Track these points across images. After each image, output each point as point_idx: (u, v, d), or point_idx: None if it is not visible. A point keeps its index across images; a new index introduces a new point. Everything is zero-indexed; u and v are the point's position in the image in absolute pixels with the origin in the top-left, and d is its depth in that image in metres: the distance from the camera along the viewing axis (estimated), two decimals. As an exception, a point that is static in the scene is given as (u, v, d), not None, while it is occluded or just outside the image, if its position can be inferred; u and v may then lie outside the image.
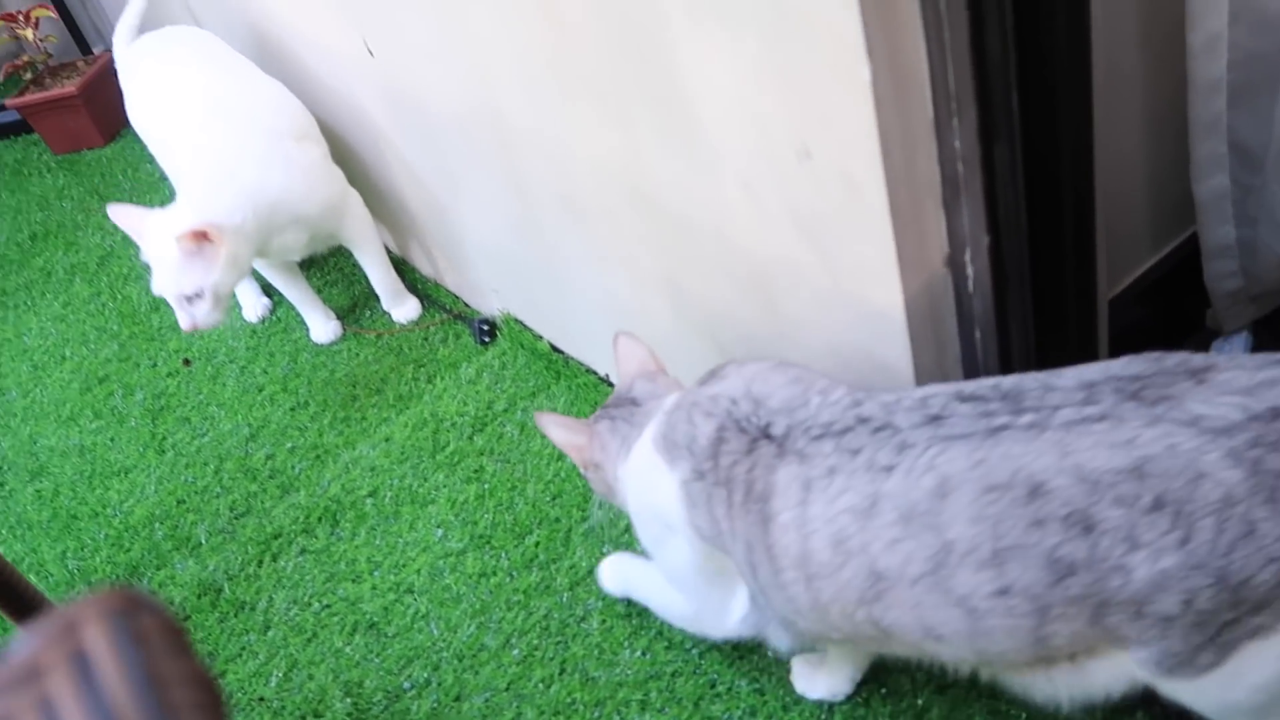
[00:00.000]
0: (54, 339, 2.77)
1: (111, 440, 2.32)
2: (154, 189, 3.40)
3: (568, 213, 1.72)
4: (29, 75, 4.08)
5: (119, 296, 2.87)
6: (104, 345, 2.67)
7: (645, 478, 1.20)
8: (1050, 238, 1.14)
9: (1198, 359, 0.92)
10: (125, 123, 3.67)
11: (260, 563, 1.88)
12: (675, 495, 1.15)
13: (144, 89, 2.28)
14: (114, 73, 4.11)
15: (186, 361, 2.50)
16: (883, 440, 1.00)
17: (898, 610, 0.99)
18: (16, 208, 3.64)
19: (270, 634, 1.75)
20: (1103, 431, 0.89)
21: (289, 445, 2.14)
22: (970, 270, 1.14)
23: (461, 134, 1.88)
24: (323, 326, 2.36)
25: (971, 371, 1.22)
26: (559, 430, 1.33)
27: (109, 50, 4.38)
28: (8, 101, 4.03)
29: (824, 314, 1.27)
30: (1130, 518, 0.87)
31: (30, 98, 3.97)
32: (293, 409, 2.23)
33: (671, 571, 1.27)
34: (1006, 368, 1.20)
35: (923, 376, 1.21)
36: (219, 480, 2.10)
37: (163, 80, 2.23)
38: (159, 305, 2.76)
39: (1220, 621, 0.88)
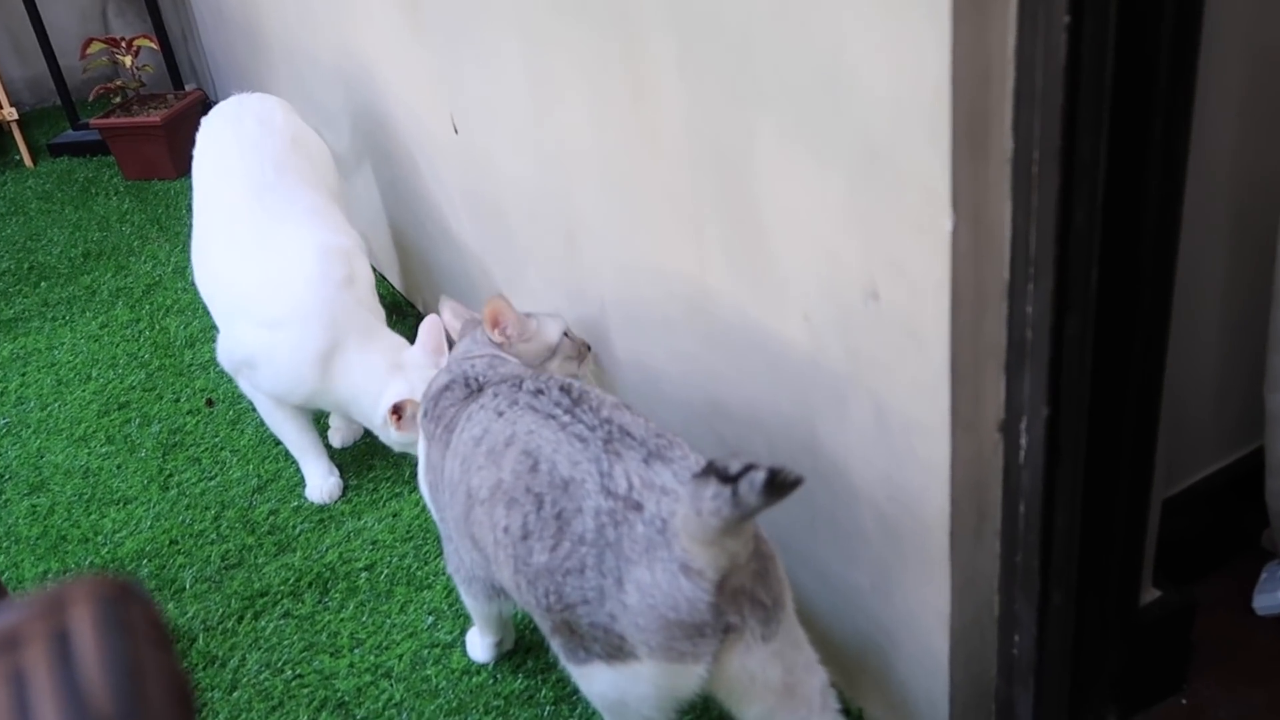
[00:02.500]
0: (84, 357, 2.82)
1: (118, 468, 2.34)
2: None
3: (622, 315, 1.75)
4: (118, 99, 4.26)
5: (157, 326, 2.93)
6: (131, 372, 2.71)
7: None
8: (1111, 421, 1.14)
9: (676, 446, 1.23)
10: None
11: (241, 619, 1.87)
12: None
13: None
14: (201, 110, 4.29)
15: (210, 402, 2.53)
16: (509, 393, 1.35)
17: (476, 527, 1.31)
18: (77, 223, 3.76)
19: (236, 695, 1.72)
20: (576, 450, 1.22)
21: (295, 504, 2.14)
22: (1024, 440, 1.14)
23: (530, 218, 1.92)
24: (322, 482, 2.15)
25: (1010, 546, 1.21)
26: None
27: (200, 89, 4.57)
28: (92, 121, 4.20)
29: (867, 460, 1.27)
30: (547, 514, 1.20)
31: (114, 120, 4.14)
32: (306, 468, 2.23)
33: None
34: (1048, 548, 1.18)
35: (959, 541, 1.20)
36: (217, 527, 2.10)
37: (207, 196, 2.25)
38: (194, 340, 2.81)
39: (574, 633, 1.19)
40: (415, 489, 2.12)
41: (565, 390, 1.33)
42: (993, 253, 1.05)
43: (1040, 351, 1.08)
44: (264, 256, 2.03)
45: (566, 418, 1.27)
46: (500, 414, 1.34)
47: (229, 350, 2.07)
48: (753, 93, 1.21)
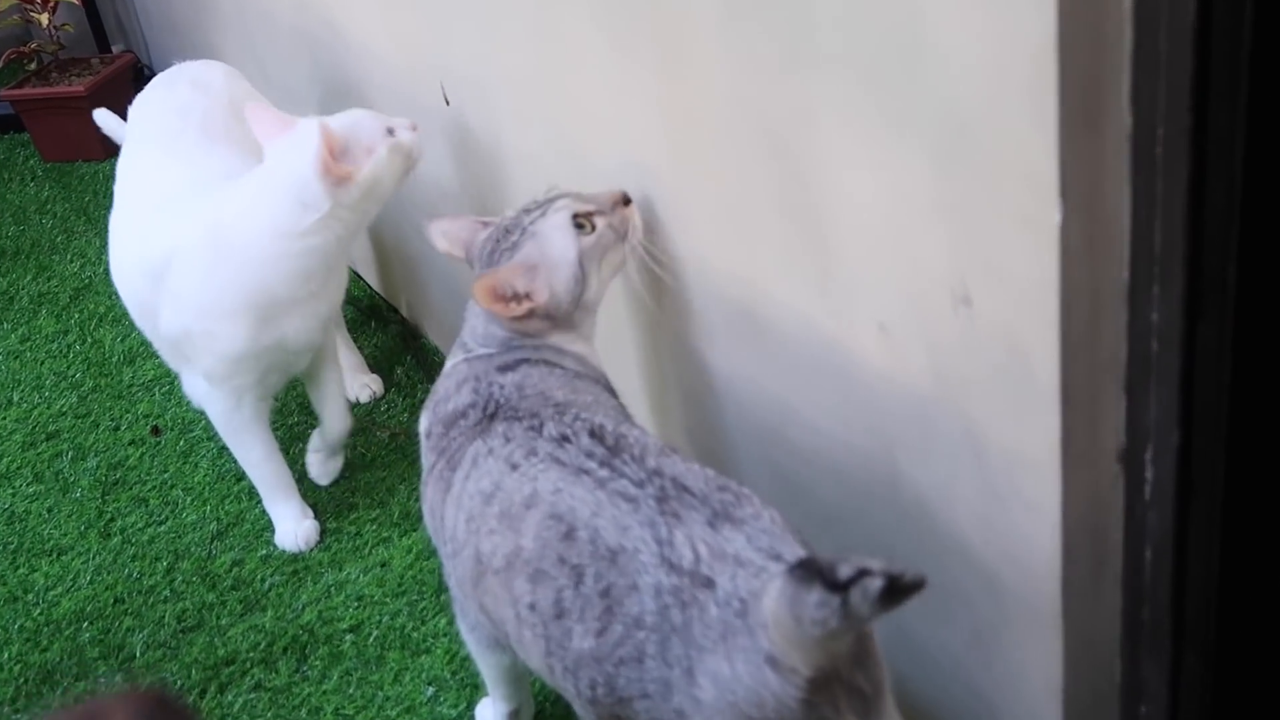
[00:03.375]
0: (2, 377, 2.86)
1: (49, 511, 2.37)
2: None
3: (650, 323, 1.76)
4: (33, 66, 4.30)
5: (89, 339, 2.96)
6: (61, 395, 2.74)
7: None
8: (1254, 447, 1.14)
9: (744, 501, 1.21)
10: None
11: (204, 692, 1.89)
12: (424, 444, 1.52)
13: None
14: (132, 78, 4.33)
15: (156, 430, 2.55)
16: (526, 440, 1.34)
17: (489, 598, 1.34)
18: (-12, 215, 3.80)
19: (201, 786, 1.75)
20: (624, 512, 1.21)
21: (262, 553, 2.16)
22: (1149, 472, 1.14)
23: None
24: (294, 526, 2.18)
25: (1135, 597, 1.22)
26: None
27: (131, 51, 4.60)
28: (2, 92, 4.24)
29: (958, 497, 1.28)
30: (590, 590, 1.21)
31: (29, 91, 4.18)
32: (274, 509, 2.26)
33: None
34: (1180, 601, 1.19)
35: (1073, 595, 1.21)
36: (170, 582, 2.13)
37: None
38: (134, 355, 2.84)
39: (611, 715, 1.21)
40: (405, 532, 2.15)
41: (597, 436, 1.32)
42: (1110, 249, 1.06)
43: (1168, 366, 1.09)
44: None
45: (604, 472, 1.27)
46: (514, 467, 1.33)
47: (168, 337, 2.09)
48: (811, 59, 1.23)
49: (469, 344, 1.57)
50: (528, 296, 1.52)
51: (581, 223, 1.55)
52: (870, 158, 1.20)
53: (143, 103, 2.40)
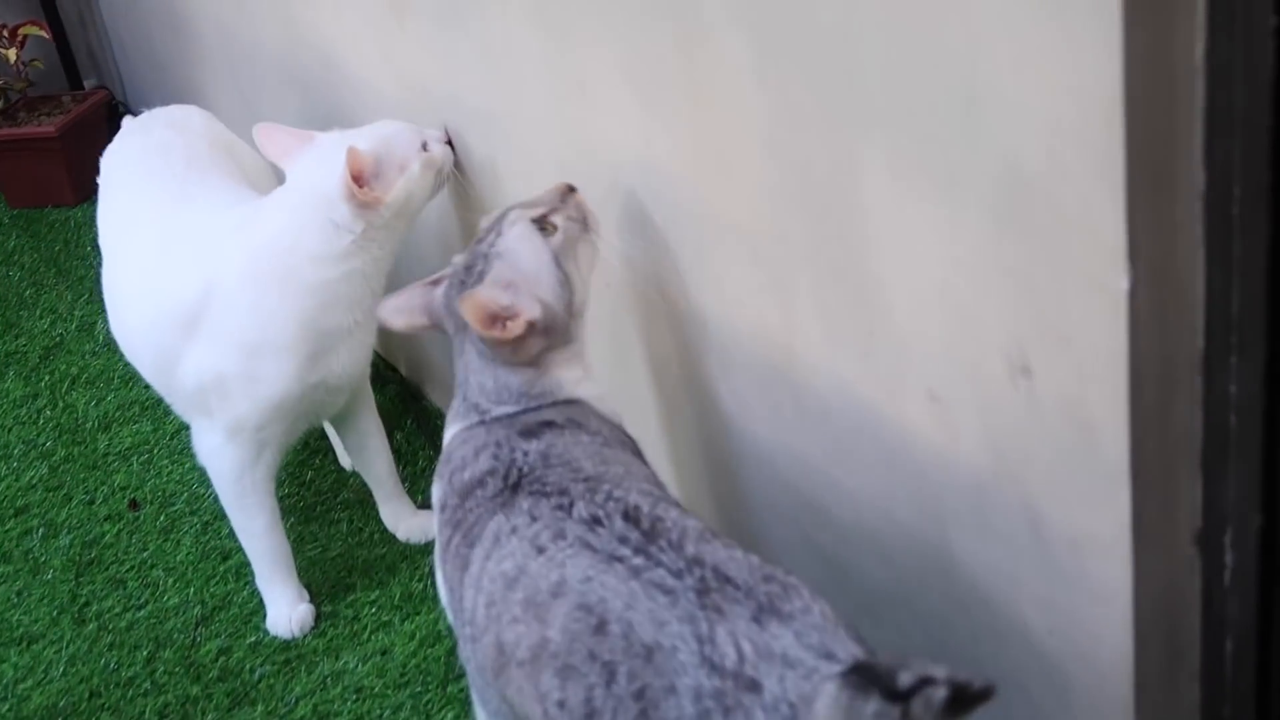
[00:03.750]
0: (-35, 446, 2.87)
1: (18, 595, 2.37)
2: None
3: (674, 385, 1.77)
4: (1, 105, 4.34)
5: (60, 404, 2.97)
6: (30, 465, 2.75)
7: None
8: (1344, 530, 1.14)
9: (792, 593, 1.19)
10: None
11: (188, 796, 1.89)
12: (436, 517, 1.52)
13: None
14: (106, 116, 4.35)
15: (134, 504, 2.56)
16: (554, 521, 1.34)
17: (513, 689, 1.33)
18: (-51, 267, 3.82)
19: None
20: (661, 605, 1.21)
21: (252, 640, 2.16)
22: (1229, 557, 1.14)
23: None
24: (288, 610, 2.19)
25: (1214, 693, 1.21)
26: None
27: (105, 88, 4.65)
28: (-34, 133, 4.28)
29: (1019, 584, 1.28)
30: (623, 690, 1.20)
31: (-5, 131, 4.22)
32: (263, 590, 2.26)
33: None
34: (1265, 698, 1.18)
35: (1146, 690, 1.20)
36: (151, 673, 2.13)
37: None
38: (109, 421, 2.85)
39: None
40: (408, 616, 2.15)
41: (632, 519, 1.31)
42: (1183, 316, 1.07)
43: (1248, 442, 1.09)
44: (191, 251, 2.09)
45: (639, 559, 1.26)
46: (540, 550, 1.33)
47: (195, 385, 2.08)
48: (857, 107, 1.24)
49: (482, 404, 1.56)
50: (516, 315, 1.52)
51: (543, 226, 1.59)
52: (921, 214, 1.21)
53: (118, 149, 2.43)
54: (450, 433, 1.58)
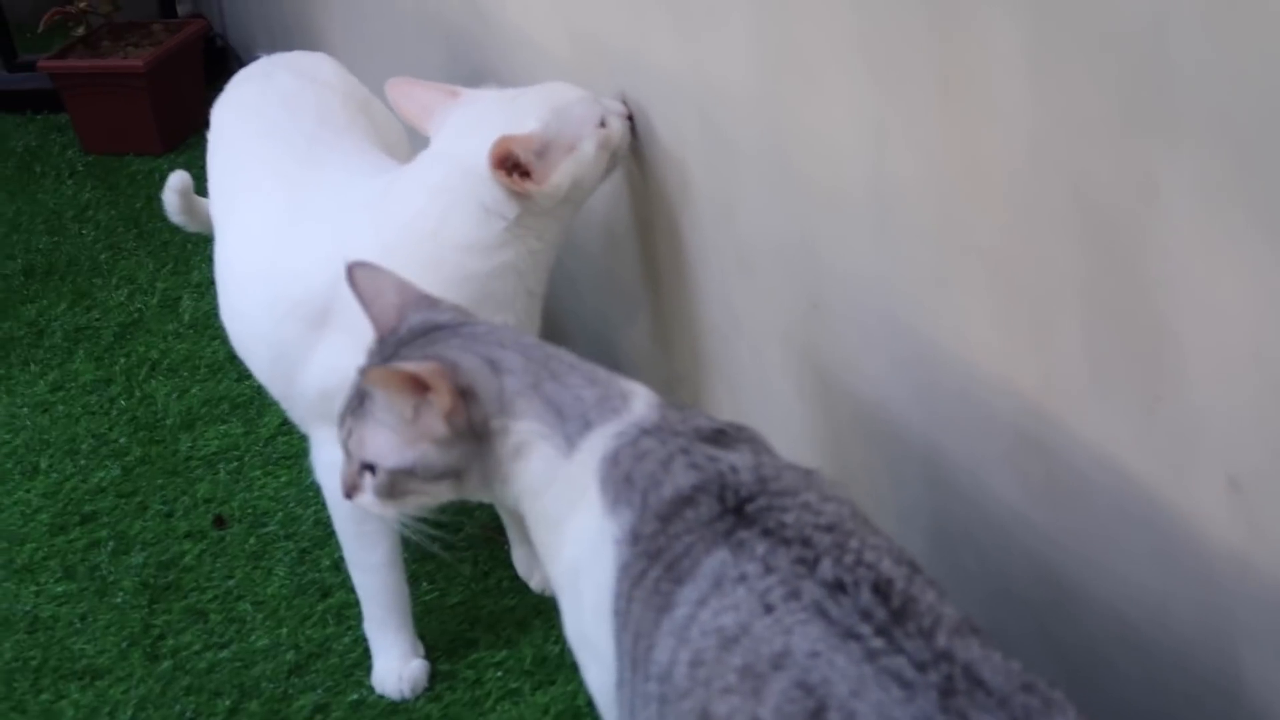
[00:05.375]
0: (27, 436, 2.95)
1: (82, 619, 2.42)
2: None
3: (891, 438, 1.75)
4: (80, 30, 4.45)
5: (137, 393, 3.04)
6: (100, 465, 2.82)
7: (569, 509, 1.50)
8: None
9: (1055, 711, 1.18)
10: (198, 126, 3.95)
11: None
12: (605, 556, 1.44)
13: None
14: (201, 49, 4.43)
15: (220, 520, 2.60)
16: (791, 576, 1.31)
17: None
18: (14, 220, 3.96)
19: None
20: (894, 700, 1.18)
21: (354, 697, 2.18)
22: None
23: (743, 269, 1.94)
24: (399, 665, 2.21)
25: None
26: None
27: (200, 16, 4.75)
28: (40, 61, 4.40)
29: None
30: None
31: (73, 62, 4.34)
32: (369, 636, 2.28)
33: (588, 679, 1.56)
34: None
35: None
36: (233, 727, 2.16)
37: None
38: (194, 418, 2.92)
39: None
40: (540, 685, 2.15)
41: (881, 592, 1.29)
42: None
43: None
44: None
45: (879, 641, 1.24)
46: (769, 609, 1.29)
47: (320, 389, 2.09)
48: (1160, 113, 1.20)
49: (605, 412, 1.53)
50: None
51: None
52: (1236, 252, 1.17)
53: (234, 99, 2.45)
54: (589, 455, 1.52)
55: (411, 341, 1.58)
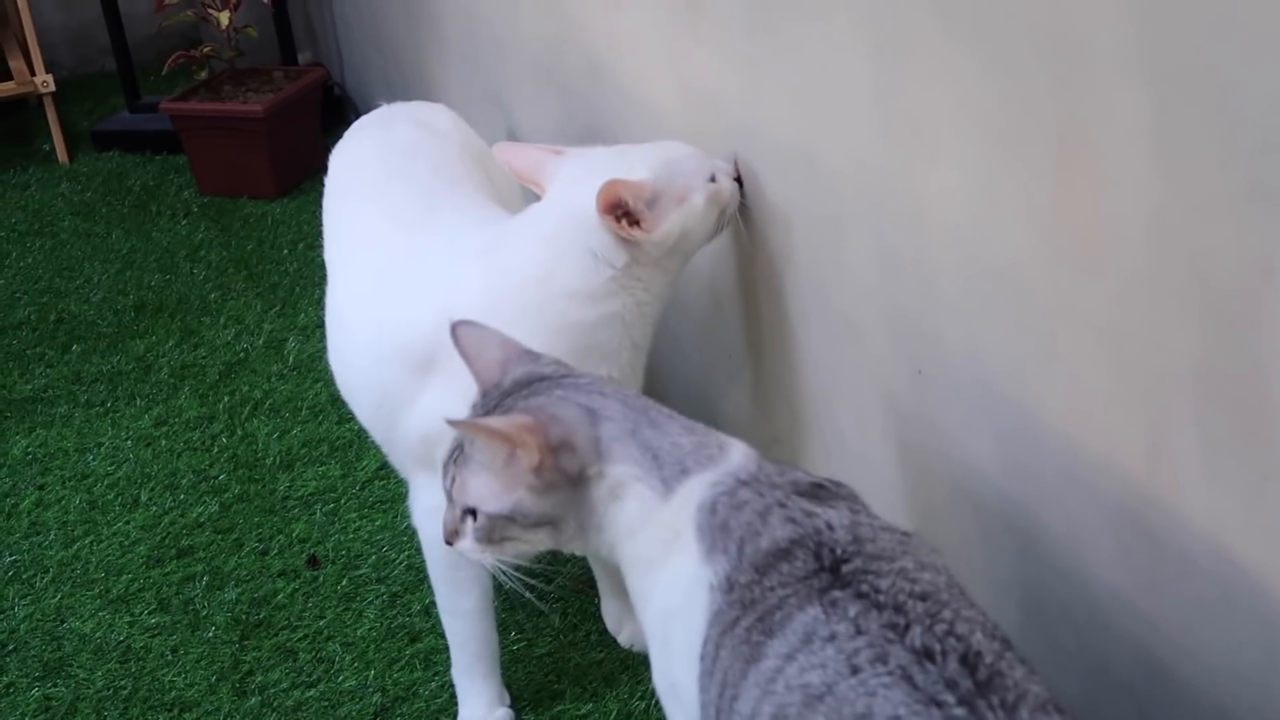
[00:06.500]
0: (129, 469, 2.99)
1: (173, 651, 2.44)
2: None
3: (994, 493, 1.72)
4: (204, 74, 4.52)
5: (239, 431, 3.07)
6: (199, 500, 2.85)
7: (663, 552, 1.51)
8: None
9: None
10: (313, 172, 4.00)
11: None
12: (697, 602, 1.45)
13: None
14: (319, 96, 4.49)
15: (314, 560, 2.62)
16: (880, 639, 1.32)
17: None
18: (128, 257, 4.02)
19: None
20: None
21: (438, 742, 2.18)
22: None
23: (848, 333, 1.94)
24: (485, 714, 2.23)
25: None
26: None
27: (321, 65, 4.82)
28: (163, 103, 4.48)
29: None
30: None
31: (195, 105, 4.41)
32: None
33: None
34: None
35: None
36: (316, 766, 2.17)
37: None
38: (293, 459, 2.94)
39: None
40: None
41: (969, 664, 1.29)
42: None
43: None
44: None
45: (961, 710, 1.24)
46: (855, 670, 1.30)
47: (422, 435, 2.10)
48: (1282, 191, 1.19)
49: (702, 460, 1.54)
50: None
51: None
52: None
53: (354, 146, 2.48)
54: (686, 500, 1.53)
55: (515, 392, 1.61)
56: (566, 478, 1.53)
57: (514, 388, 1.61)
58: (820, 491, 1.51)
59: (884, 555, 1.43)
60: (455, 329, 1.69)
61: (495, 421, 1.54)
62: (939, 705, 1.24)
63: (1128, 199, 1.37)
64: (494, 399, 1.62)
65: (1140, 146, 1.33)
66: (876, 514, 1.52)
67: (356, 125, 2.54)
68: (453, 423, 1.57)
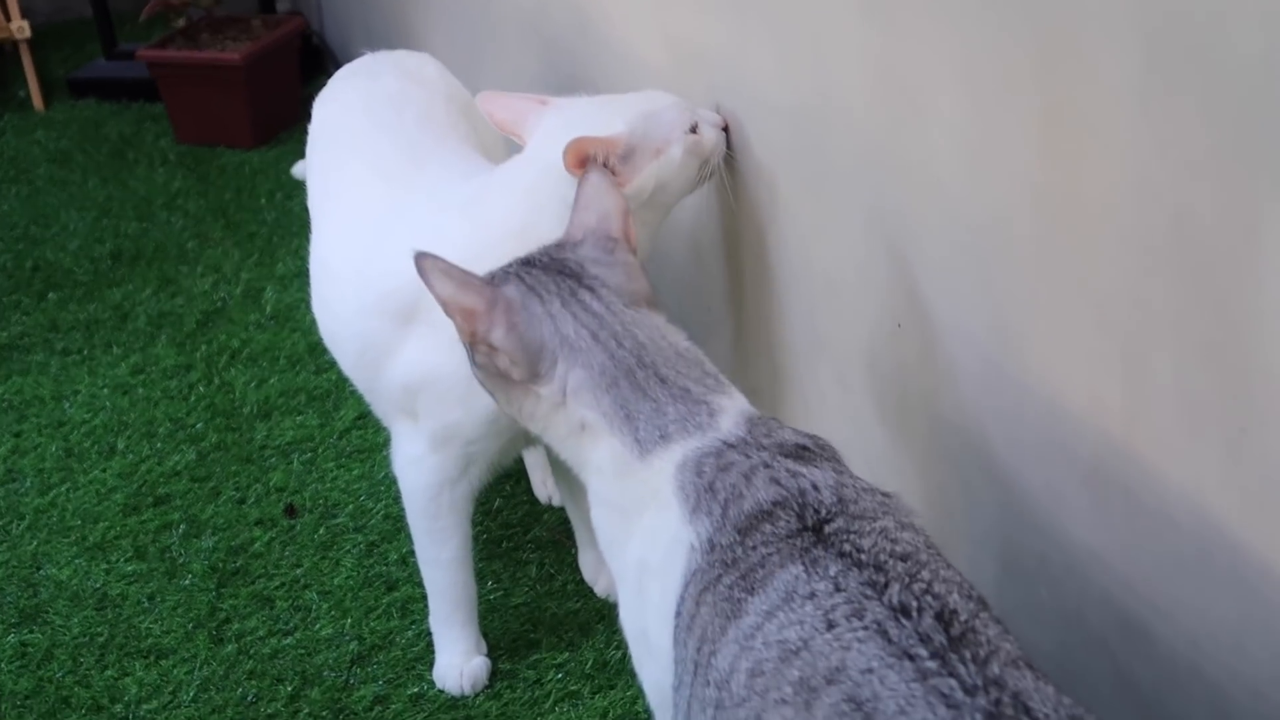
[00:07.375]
0: (106, 417, 2.99)
1: (150, 599, 2.45)
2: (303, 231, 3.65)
3: (972, 451, 1.73)
4: (180, 21, 4.50)
5: (216, 380, 3.07)
6: (176, 449, 2.85)
7: (638, 506, 1.54)
8: None
9: None
10: (290, 122, 3.99)
11: None
12: (676, 561, 1.48)
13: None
14: (298, 46, 4.47)
15: (291, 509, 2.63)
16: (858, 596, 1.34)
17: None
18: (105, 205, 4.00)
19: None
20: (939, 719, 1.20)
21: (414, 690, 2.20)
22: None
23: (828, 288, 1.94)
24: (461, 661, 2.24)
25: None
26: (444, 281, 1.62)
27: (299, 14, 4.79)
28: (139, 51, 4.46)
29: None
30: None
31: (171, 53, 4.39)
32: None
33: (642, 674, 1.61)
34: None
35: None
36: (293, 713, 2.18)
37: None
38: (271, 407, 2.95)
39: None
40: (600, 688, 2.16)
41: (944, 621, 1.30)
42: None
43: None
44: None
45: (933, 663, 1.25)
46: (831, 625, 1.32)
47: (405, 384, 2.12)
48: (1271, 154, 1.19)
49: (687, 428, 1.56)
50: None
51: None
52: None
53: (338, 95, 2.48)
54: (665, 462, 1.55)
55: (550, 269, 1.66)
56: (499, 372, 1.61)
57: (554, 266, 1.66)
58: (805, 452, 1.53)
59: (866, 515, 1.45)
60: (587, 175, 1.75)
61: (444, 287, 1.61)
62: (911, 658, 1.26)
63: (1113, 158, 1.37)
64: (543, 259, 1.68)
65: (1126, 105, 1.33)
66: (857, 475, 1.54)
67: (341, 73, 2.53)
68: (419, 260, 1.61)
